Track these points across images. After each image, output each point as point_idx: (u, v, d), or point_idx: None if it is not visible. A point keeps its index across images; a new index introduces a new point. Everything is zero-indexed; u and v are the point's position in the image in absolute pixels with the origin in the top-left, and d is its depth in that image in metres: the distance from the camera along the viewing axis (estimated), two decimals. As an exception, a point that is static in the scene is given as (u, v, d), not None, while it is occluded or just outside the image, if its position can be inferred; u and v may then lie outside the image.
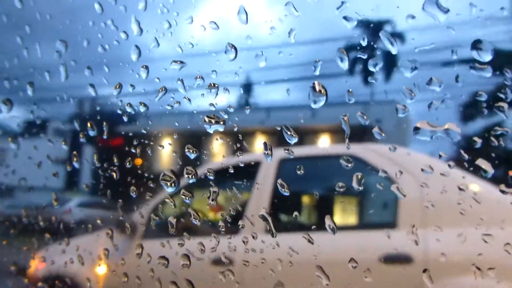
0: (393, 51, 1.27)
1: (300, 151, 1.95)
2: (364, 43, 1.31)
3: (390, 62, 1.31)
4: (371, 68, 1.29)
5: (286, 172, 2.02)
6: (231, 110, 1.55)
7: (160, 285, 1.74)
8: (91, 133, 1.81)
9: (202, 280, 1.72)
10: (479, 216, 1.51)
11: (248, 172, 2.18)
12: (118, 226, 2.48)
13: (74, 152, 1.96)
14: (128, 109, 1.69)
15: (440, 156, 1.38)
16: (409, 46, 1.29)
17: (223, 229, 1.72)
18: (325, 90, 1.34)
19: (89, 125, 1.81)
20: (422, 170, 1.36)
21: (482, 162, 1.25)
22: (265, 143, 1.45)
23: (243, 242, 1.67)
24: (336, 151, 1.93)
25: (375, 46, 1.27)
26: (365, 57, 1.31)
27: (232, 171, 1.68)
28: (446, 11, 1.20)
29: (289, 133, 1.41)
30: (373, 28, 1.31)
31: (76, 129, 1.88)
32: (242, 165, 1.74)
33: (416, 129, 1.26)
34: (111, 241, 2.30)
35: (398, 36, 1.27)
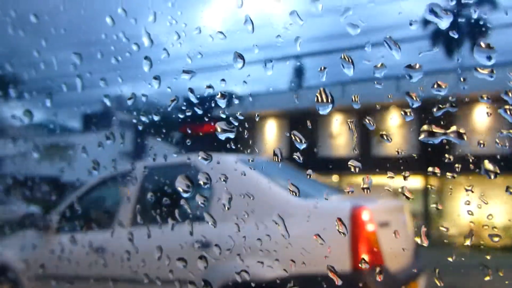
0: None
1: (157, 161, 2.47)
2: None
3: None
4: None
5: (149, 176, 2.83)
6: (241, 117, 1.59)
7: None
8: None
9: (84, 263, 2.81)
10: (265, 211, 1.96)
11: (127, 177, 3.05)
12: (34, 223, 3.39)
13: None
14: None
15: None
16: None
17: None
18: (332, 98, 1.36)
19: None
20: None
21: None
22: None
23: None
24: (178, 160, 2.50)
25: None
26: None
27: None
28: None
29: (298, 140, 1.45)
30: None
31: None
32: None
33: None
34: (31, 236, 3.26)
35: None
